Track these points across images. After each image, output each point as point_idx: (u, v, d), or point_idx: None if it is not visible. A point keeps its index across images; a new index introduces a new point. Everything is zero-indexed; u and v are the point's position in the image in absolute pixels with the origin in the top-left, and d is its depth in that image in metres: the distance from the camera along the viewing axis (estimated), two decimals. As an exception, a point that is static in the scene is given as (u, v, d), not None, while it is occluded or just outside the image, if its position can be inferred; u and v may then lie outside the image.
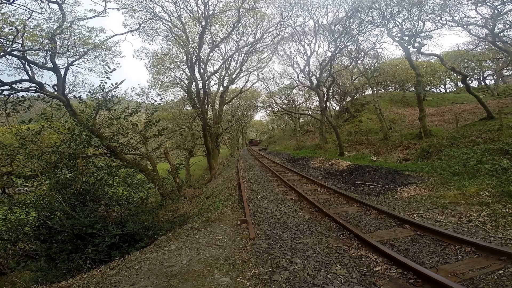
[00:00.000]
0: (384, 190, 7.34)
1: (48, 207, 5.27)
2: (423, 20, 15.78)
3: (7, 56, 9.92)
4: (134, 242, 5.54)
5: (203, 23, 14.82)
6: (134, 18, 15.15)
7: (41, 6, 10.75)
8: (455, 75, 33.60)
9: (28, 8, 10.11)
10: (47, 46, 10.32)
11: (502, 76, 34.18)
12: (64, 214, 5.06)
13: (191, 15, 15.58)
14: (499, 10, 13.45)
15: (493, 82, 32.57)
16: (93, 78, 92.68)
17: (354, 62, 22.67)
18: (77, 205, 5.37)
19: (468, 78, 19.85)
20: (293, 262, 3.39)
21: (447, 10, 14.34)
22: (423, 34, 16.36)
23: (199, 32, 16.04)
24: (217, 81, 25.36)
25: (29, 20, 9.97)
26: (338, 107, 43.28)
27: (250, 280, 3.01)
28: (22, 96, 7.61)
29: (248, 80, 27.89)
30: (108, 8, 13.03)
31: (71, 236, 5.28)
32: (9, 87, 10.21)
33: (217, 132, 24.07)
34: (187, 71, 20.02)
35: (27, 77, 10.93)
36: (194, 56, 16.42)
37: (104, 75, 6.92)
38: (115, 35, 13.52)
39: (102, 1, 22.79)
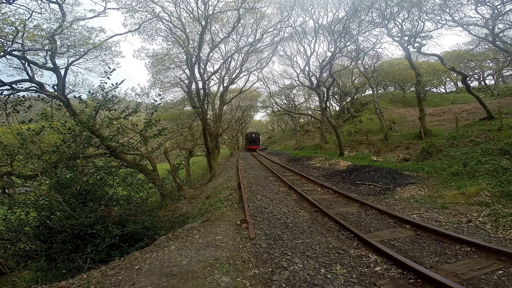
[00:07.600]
0: (384, 190, 7.34)
1: (48, 207, 5.27)
2: (423, 20, 15.83)
3: (7, 56, 9.93)
4: (134, 242, 5.54)
5: (203, 23, 14.82)
6: (134, 18, 15.21)
7: (41, 6, 10.77)
8: (455, 75, 33.57)
9: (28, 8, 10.12)
10: (47, 46, 10.33)
11: (502, 76, 34.19)
12: (64, 214, 5.06)
13: (191, 15, 15.59)
14: (499, 10, 13.46)
15: (493, 82, 32.59)
16: (93, 78, 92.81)
17: (354, 62, 22.67)
18: (77, 205, 5.37)
19: (468, 78, 19.85)
20: (293, 262, 3.39)
21: (447, 10, 14.36)
22: (423, 34, 16.39)
23: (199, 32, 16.04)
24: (217, 81, 25.41)
25: (29, 20, 9.99)
26: (338, 107, 43.38)
27: (250, 280, 3.01)
28: (23, 96, 7.60)
29: (248, 80, 27.97)
30: (108, 8, 13.06)
31: (71, 236, 5.28)
32: (9, 87, 10.21)
33: (217, 132, 24.08)
34: (187, 71, 20.04)
35: (27, 77, 10.93)
36: (194, 56, 16.42)
37: (104, 75, 6.93)
38: (115, 35, 13.54)
39: (102, 1, 22.79)
